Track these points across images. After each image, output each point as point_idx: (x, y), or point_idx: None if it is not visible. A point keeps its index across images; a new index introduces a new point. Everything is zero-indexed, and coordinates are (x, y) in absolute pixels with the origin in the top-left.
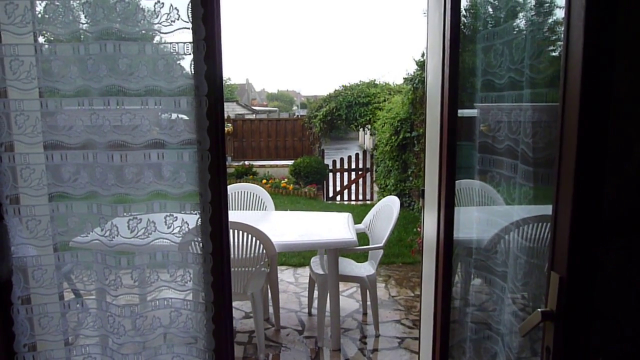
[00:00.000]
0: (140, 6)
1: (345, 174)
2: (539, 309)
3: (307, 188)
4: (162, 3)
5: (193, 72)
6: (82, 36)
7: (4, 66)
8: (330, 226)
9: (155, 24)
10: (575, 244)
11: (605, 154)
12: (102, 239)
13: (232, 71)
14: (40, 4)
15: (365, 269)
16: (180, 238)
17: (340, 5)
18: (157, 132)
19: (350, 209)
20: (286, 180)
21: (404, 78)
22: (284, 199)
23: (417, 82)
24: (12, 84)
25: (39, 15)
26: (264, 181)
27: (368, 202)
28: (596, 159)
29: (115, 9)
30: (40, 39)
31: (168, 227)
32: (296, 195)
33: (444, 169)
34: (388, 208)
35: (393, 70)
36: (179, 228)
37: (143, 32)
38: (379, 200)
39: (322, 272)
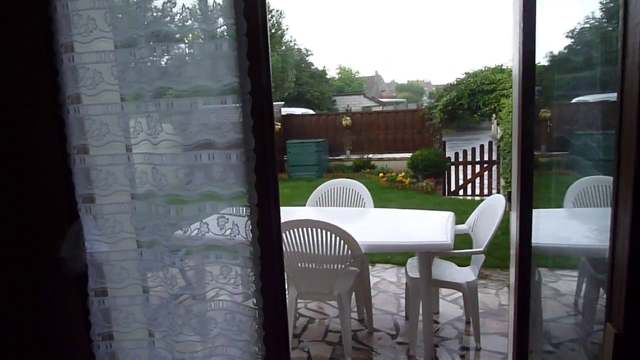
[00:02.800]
0: (186, 5)
1: (469, 167)
2: None
3: (424, 182)
4: (205, 0)
5: (237, 69)
6: (134, 40)
7: (76, 74)
8: (426, 226)
9: (200, 22)
10: (635, 293)
11: None
12: (159, 238)
13: (361, 64)
14: (100, 13)
15: (466, 275)
16: (232, 240)
17: None
18: (206, 133)
19: (471, 205)
20: (403, 174)
21: None
22: (399, 193)
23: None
24: (81, 91)
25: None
26: (381, 174)
27: None
28: None
29: (162, 10)
30: (101, 46)
31: (220, 229)
32: (412, 189)
33: (518, 163)
34: (492, 208)
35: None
36: (230, 230)
37: (189, 31)
38: (505, 196)
39: (416, 276)
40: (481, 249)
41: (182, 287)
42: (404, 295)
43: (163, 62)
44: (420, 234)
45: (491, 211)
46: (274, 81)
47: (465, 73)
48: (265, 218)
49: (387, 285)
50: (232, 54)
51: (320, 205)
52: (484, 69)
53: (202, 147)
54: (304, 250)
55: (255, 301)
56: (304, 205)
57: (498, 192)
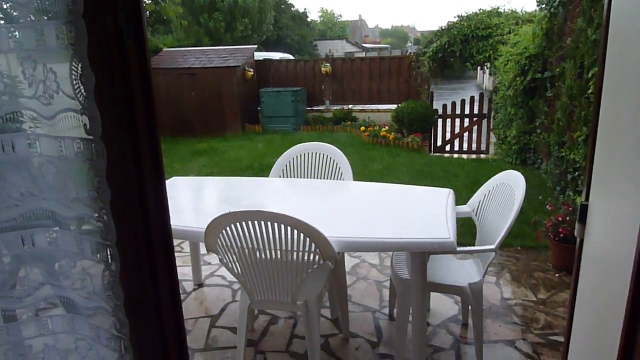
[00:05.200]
0: None
1: (457, 120)
2: None
3: (410, 138)
4: None
5: None
6: None
7: None
8: (420, 212)
9: None
10: None
11: None
12: None
13: (344, 7)
14: None
15: (468, 273)
16: (85, 300)
17: None
18: (17, 98)
19: (460, 164)
20: (386, 128)
21: (537, 1)
22: (383, 150)
23: (556, 5)
24: None
25: None
26: (362, 128)
27: (482, 155)
28: None
29: None
30: None
31: (64, 278)
32: (397, 146)
33: None
34: (507, 189)
35: None
36: (80, 281)
37: None
38: (495, 154)
39: (405, 276)
40: (492, 247)
41: None
42: (387, 283)
43: None
44: (413, 226)
45: (504, 193)
46: (251, 22)
47: (458, 16)
48: (137, 268)
49: (368, 269)
50: None
51: (287, 176)
52: (478, 12)
53: (14, 126)
54: (257, 247)
55: None
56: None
57: (487, 149)
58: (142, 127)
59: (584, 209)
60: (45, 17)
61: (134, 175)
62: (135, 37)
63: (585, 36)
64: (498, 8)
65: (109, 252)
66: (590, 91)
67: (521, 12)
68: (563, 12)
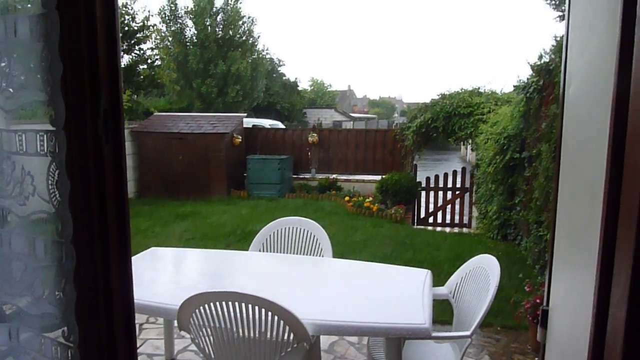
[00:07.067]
0: None
1: (440, 193)
2: None
3: (393, 209)
4: None
5: (45, 77)
6: None
7: None
8: (396, 295)
9: None
10: None
11: None
12: None
13: (334, 77)
14: None
15: (445, 357)
16: None
17: (448, 7)
18: None
19: (443, 237)
20: (370, 199)
21: (514, 86)
22: (366, 220)
23: (531, 91)
24: None
25: None
26: (347, 198)
27: (464, 229)
28: None
29: None
30: None
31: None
32: (380, 216)
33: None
34: (482, 272)
35: (500, 76)
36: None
37: None
38: (477, 229)
39: None
40: (467, 333)
41: None
42: None
43: None
44: (389, 310)
45: (480, 276)
46: (242, 89)
47: (441, 94)
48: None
49: (346, 348)
50: (37, 44)
51: (267, 249)
52: (460, 91)
53: None
54: (230, 327)
55: None
56: (260, 229)
57: (469, 224)
58: (112, 231)
59: (545, 314)
60: (28, 127)
61: (102, 280)
62: (113, 142)
63: (558, 122)
64: (479, 88)
65: (69, 354)
66: None
67: (500, 92)
68: (538, 98)
